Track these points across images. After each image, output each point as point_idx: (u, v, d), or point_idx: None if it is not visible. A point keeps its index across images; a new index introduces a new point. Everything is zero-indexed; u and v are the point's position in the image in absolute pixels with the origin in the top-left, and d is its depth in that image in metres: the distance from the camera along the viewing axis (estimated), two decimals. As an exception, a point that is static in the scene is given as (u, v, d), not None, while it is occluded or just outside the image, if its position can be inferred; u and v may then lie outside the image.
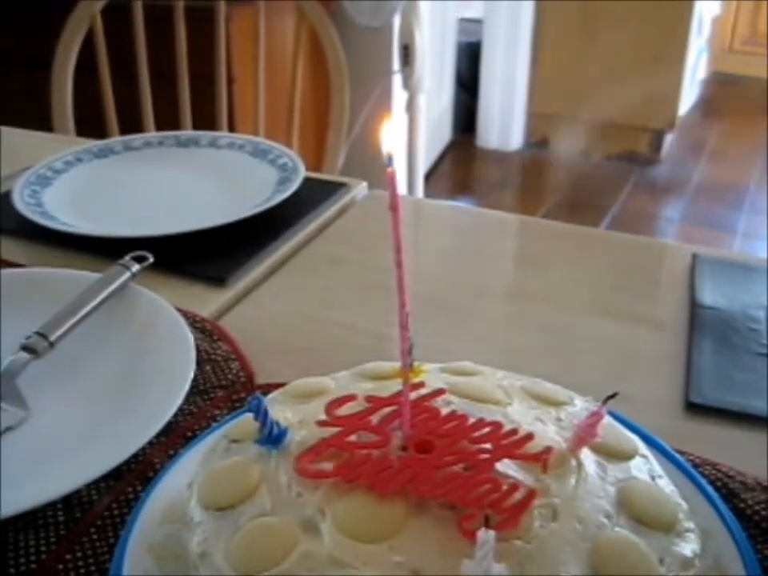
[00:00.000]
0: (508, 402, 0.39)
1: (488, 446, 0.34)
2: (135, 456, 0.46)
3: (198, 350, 0.55)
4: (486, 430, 0.35)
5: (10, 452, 0.47)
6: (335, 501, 0.33)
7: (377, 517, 0.32)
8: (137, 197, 0.84)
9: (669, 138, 3.21)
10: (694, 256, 0.71)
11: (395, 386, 0.37)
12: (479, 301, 0.68)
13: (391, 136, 0.32)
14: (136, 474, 0.46)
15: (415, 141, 2.20)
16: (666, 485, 0.36)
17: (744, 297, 0.64)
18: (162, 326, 0.57)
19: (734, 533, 0.37)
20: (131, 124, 1.33)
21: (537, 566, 0.30)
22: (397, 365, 0.36)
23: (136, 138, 0.94)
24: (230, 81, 1.66)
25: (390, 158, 0.31)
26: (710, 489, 0.39)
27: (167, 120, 1.34)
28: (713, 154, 3.27)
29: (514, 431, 0.35)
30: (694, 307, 0.63)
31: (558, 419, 0.38)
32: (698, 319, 0.62)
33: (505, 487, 0.32)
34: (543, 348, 0.61)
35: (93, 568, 0.40)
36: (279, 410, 0.39)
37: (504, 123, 3.24)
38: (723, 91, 3.96)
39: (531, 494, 0.32)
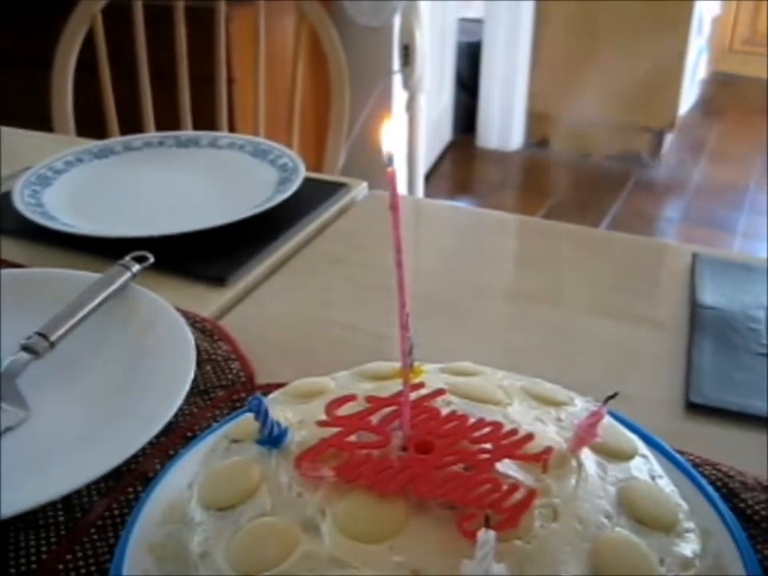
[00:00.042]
0: (508, 403, 0.39)
1: (488, 446, 0.34)
2: (135, 456, 0.46)
3: (199, 350, 0.55)
4: (486, 430, 0.35)
5: (10, 452, 0.47)
6: (335, 501, 0.33)
7: (377, 517, 0.32)
8: (137, 197, 0.84)
9: (669, 138, 3.21)
10: (694, 256, 0.71)
11: (395, 386, 0.37)
12: (479, 301, 0.68)
13: (391, 136, 0.32)
14: (136, 475, 0.46)
15: (415, 141, 2.20)
16: (666, 485, 0.36)
17: (744, 297, 0.64)
18: (163, 326, 0.57)
19: (734, 533, 0.37)
20: (131, 124, 1.33)
21: (537, 566, 0.30)
22: (397, 365, 0.36)
23: (136, 139, 0.94)
24: (230, 81, 1.66)
25: (390, 158, 0.31)
26: (710, 489, 0.39)
27: (167, 120, 1.34)
28: (713, 154, 3.27)
29: (514, 431, 0.35)
30: (695, 307, 0.63)
31: (559, 419, 0.38)
32: (698, 319, 0.62)
33: (505, 487, 0.32)
34: (543, 348, 0.61)
35: (93, 568, 0.40)
36: (279, 410, 0.39)
37: (504, 123, 3.24)
38: (723, 91, 3.96)
39: (531, 494, 0.32)
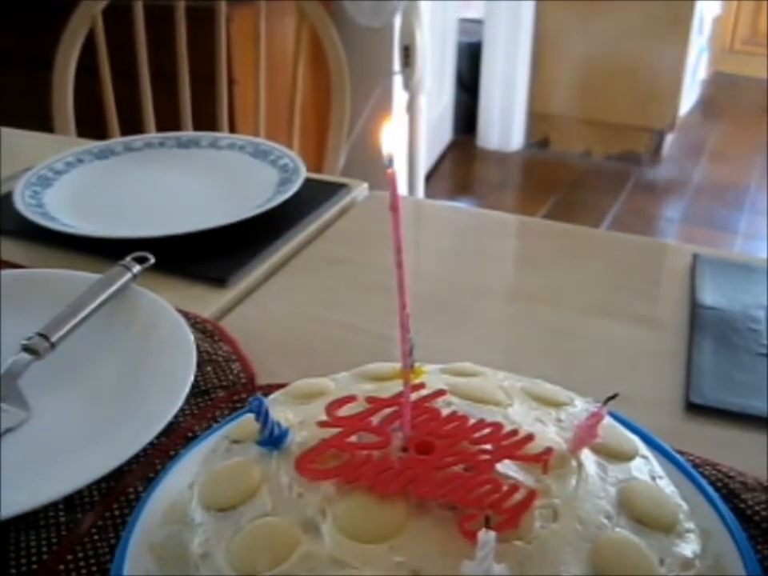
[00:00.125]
0: (509, 403, 0.39)
1: (488, 446, 0.34)
2: (136, 456, 0.46)
3: (199, 351, 0.55)
4: (487, 430, 0.35)
5: (11, 452, 0.47)
6: (336, 501, 0.33)
7: (377, 517, 0.32)
8: (138, 198, 0.84)
9: (669, 138, 3.21)
10: (695, 256, 0.71)
11: (396, 386, 0.37)
12: (479, 301, 0.68)
13: (392, 137, 0.32)
14: (137, 475, 0.46)
15: (416, 141, 2.20)
16: (666, 485, 0.36)
17: (744, 297, 0.64)
18: (163, 326, 0.57)
19: (735, 533, 0.37)
20: (132, 124, 1.33)
21: (537, 566, 0.30)
22: (397, 366, 0.36)
23: (137, 139, 0.94)
24: (231, 81, 1.66)
25: (391, 159, 0.31)
26: (710, 489, 0.40)
27: (168, 120, 1.34)
28: (713, 154, 3.27)
29: (514, 432, 0.35)
30: (695, 307, 0.63)
31: (559, 420, 0.38)
32: (698, 319, 0.62)
33: (505, 488, 0.32)
34: (543, 348, 0.61)
35: (94, 568, 0.40)
36: (280, 410, 0.39)
37: (504, 123, 3.24)
38: (724, 91, 3.96)
39: (532, 495, 0.32)
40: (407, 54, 2.05)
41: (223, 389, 0.53)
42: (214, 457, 0.38)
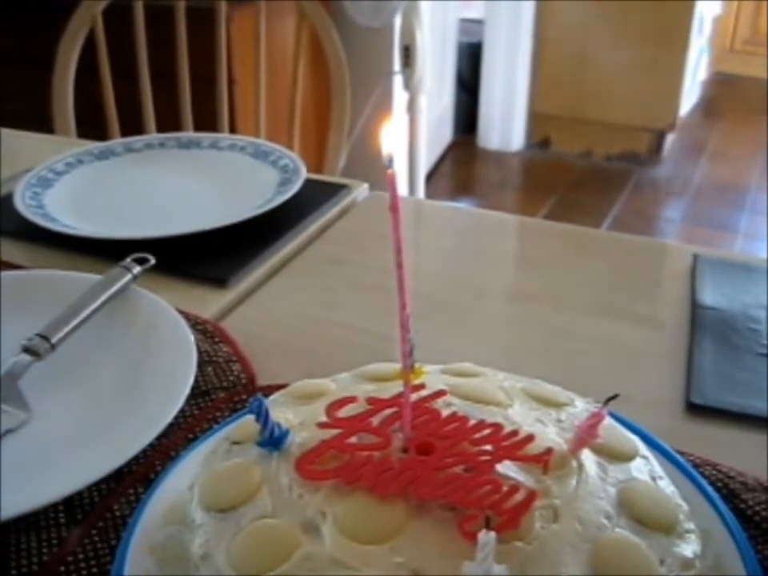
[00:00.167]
0: (509, 404, 0.39)
1: (489, 447, 0.34)
2: (136, 458, 0.46)
3: (200, 352, 0.55)
4: (487, 431, 0.35)
5: (11, 453, 0.47)
6: (336, 502, 0.33)
7: (377, 518, 0.32)
8: (138, 198, 0.84)
9: (669, 138, 3.21)
10: (695, 256, 0.71)
11: (396, 387, 0.37)
12: (479, 301, 0.68)
13: (392, 137, 0.32)
14: (137, 476, 0.46)
15: (416, 141, 2.20)
16: (666, 486, 0.36)
17: (745, 297, 0.64)
18: (164, 327, 0.57)
19: (735, 533, 0.37)
20: (132, 124, 1.33)
21: (537, 567, 0.30)
22: (397, 366, 0.36)
23: (137, 140, 0.94)
24: (231, 81, 1.66)
25: (391, 160, 0.31)
26: (710, 489, 0.40)
27: (168, 121, 1.34)
28: (714, 155, 3.27)
29: (514, 433, 0.35)
30: (695, 307, 0.63)
31: (559, 420, 0.38)
32: (698, 319, 0.62)
33: (505, 489, 0.32)
34: (544, 348, 0.61)
35: (95, 570, 0.40)
36: (280, 411, 0.39)
37: (505, 124, 3.24)
38: (724, 91, 3.96)
39: (532, 496, 0.32)
40: (407, 54, 2.05)
41: (223, 390, 0.53)
42: (214, 458, 0.38)
